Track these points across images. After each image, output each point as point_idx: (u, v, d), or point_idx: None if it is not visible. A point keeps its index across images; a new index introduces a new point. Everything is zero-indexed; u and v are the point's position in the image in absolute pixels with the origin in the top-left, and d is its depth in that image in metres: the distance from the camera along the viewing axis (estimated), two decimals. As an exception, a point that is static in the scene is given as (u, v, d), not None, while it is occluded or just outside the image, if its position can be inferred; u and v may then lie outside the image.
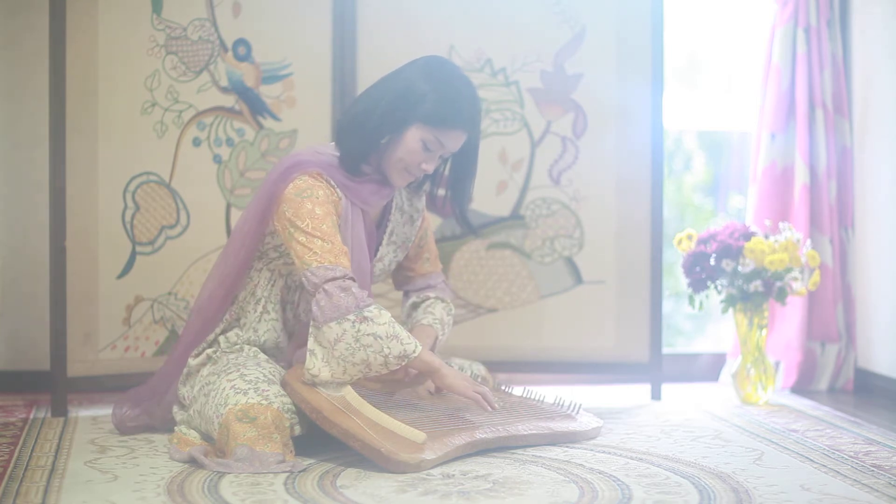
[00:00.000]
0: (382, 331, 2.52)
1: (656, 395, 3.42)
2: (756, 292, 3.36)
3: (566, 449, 2.69)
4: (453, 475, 2.41)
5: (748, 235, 3.39)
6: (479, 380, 2.95)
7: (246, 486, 2.31)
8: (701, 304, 3.45)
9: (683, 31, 4.08)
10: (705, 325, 4.39)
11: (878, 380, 3.65)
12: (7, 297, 3.50)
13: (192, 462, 2.49)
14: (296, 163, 2.67)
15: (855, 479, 2.44)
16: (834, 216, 3.72)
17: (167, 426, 2.80)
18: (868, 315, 3.70)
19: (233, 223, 3.25)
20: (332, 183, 2.67)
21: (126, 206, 3.15)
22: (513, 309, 3.47)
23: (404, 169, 2.70)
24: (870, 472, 2.51)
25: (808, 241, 3.51)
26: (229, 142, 3.29)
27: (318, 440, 2.56)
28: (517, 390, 3.03)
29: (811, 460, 2.62)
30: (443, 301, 2.95)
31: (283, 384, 2.58)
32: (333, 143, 2.77)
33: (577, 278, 3.47)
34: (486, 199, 3.44)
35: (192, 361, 2.74)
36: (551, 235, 3.46)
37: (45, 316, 3.13)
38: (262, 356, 2.72)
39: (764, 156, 3.75)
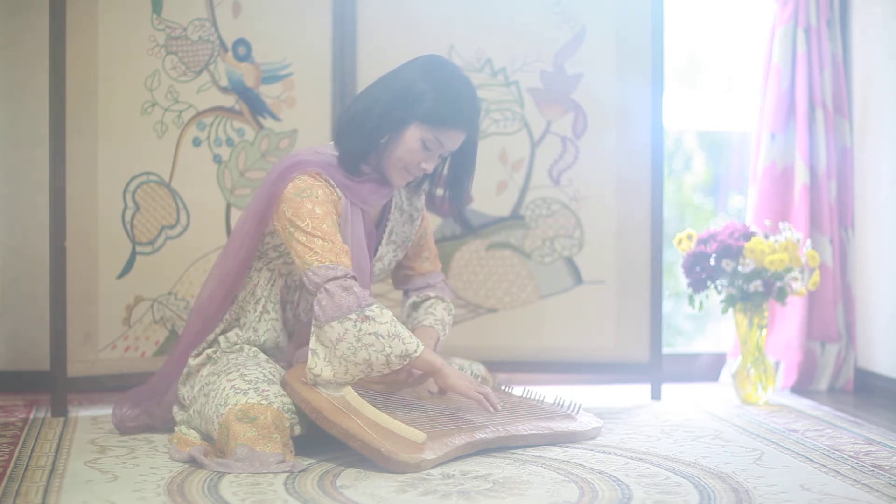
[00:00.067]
0: (384, 330, 2.52)
1: (656, 395, 3.42)
2: (756, 292, 3.36)
3: (566, 449, 2.69)
4: (453, 475, 2.41)
5: (748, 235, 3.39)
6: (480, 380, 2.95)
7: (246, 486, 2.31)
8: (701, 304, 3.44)
9: (683, 31, 4.08)
10: (705, 325, 4.38)
11: (878, 380, 3.64)
12: (7, 297, 3.50)
13: (192, 462, 2.49)
14: (295, 162, 2.67)
15: (855, 479, 2.44)
16: (834, 216, 3.71)
17: (167, 426, 2.80)
18: (868, 315, 3.70)
19: (233, 223, 3.25)
20: (332, 182, 2.67)
21: (126, 206, 3.15)
22: (513, 309, 3.47)
23: (403, 168, 2.70)
24: (870, 472, 2.51)
25: (808, 241, 3.51)
26: (229, 142, 3.29)
27: (318, 440, 2.56)
28: (517, 390, 3.03)
29: (811, 460, 2.62)
30: (443, 301, 2.95)
31: (283, 384, 2.58)
32: (333, 143, 2.77)
33: (577, 278, 3.46)
34: (486, 199, 3.44)
35: (192, 361, 2.73)
36: (551, 235, 3.46)
37: (45, 316, 3.13)
38: (262, 356, 2.72)
39: (764, 156, 3.74)
